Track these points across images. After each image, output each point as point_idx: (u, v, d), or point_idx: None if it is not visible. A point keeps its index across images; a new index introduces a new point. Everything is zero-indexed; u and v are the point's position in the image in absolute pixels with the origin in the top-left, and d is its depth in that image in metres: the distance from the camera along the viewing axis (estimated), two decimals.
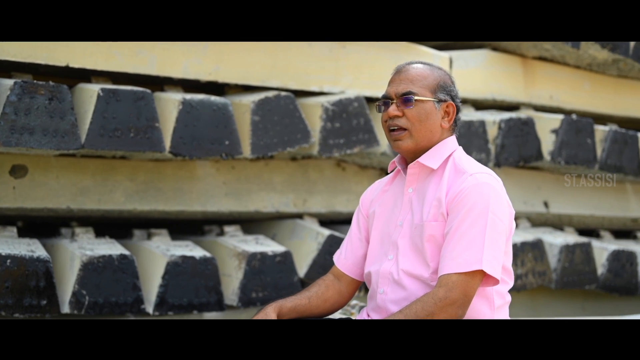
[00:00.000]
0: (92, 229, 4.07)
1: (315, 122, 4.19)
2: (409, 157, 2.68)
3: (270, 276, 4.08)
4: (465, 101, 4.98)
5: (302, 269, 4.23)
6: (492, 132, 4.67)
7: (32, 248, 3.70)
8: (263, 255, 4.06)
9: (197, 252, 3.97)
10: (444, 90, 2.66)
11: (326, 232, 4.28)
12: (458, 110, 2.71)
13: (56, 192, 3.99)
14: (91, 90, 3.66)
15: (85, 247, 3.83)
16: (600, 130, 5.05)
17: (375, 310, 2.64)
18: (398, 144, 2.64)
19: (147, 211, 4.17)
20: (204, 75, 4.08)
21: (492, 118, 4.70)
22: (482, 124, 4.60)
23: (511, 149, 4.68)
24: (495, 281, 2.47)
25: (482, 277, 2.45)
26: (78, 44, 3.76)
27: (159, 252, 3.93)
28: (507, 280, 2.59)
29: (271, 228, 4.58)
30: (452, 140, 2.69)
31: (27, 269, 3.57)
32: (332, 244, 4.26)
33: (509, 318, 2.63)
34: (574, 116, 4.94)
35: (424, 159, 2.62)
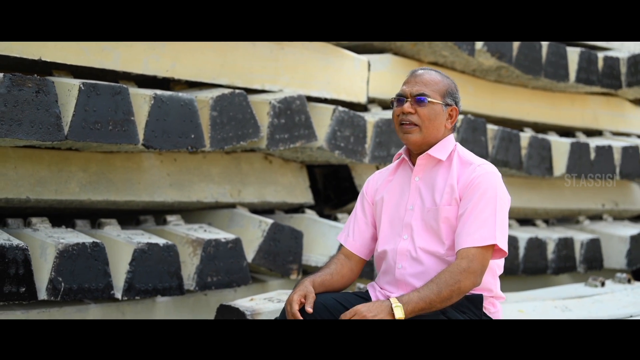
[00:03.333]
0: (47, 219, 4.18)
1: (263, 117, 4.50)
2: (415, 149, 3.08)
3: (223, 261, 4.35)
4: (373, 101, 5.46)
5: (248, 255, 4.53)
6: None
7: (5, 237, 3.78)
8: (217, 242, 4.33)
9: (159, 239, 4.18)
10: (451, 96, 3.09)
11: (269, 220, 4.61)
12: (459, 114, 3.15)
13: (15, 182, 4.07)
14: (70, 84, 3.79)
15: (53, 236, 3.95)
16: (490, 129, 5.68)
17: (392, 284, 3.03)
18: (408, 136, 3.04)
19: (99, 201, 4.32)
20: (162, 72, 4.30)
21: None
22: None
23: None
24: (503, 253, 2.94)
25: (493, 251, 2.91)
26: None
27: (123, 240, 4.10)
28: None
29: (204, 217, 4.84)
30: (452, 138, 3.12)
31: (7, 257, 3.67)
32: (275, 232, 4.59)
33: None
34: (470, 116, 5.54)
35: (433, 152, 3.04)
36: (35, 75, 3.67)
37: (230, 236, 4.41)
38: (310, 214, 5.06)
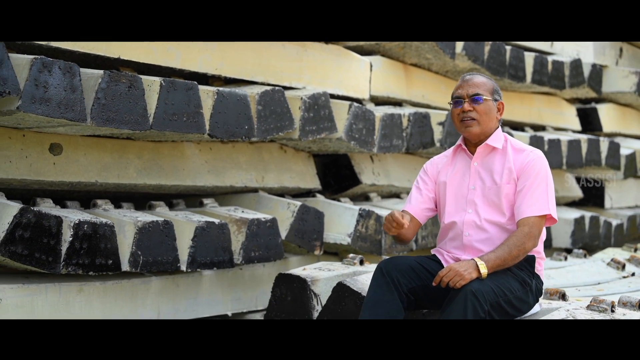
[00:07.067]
0: (109, 201, 4.66)
1: (295, 111, 5.09)
2: (474, 140, 3.76)
3: (263, 238, 4.92)
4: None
5: (282, 233, 5.11)
6: (404, 123, 5.86)
7: (91, 216, 4.25)
8: (258, 221, 4.90)
9: (213, 218, 4.72)
10: (497, 93, 3.78)
11: (298, 202, 5.21)
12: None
13: (86, 168, 4.54)
14: (150, 80, 4.29)
15: (127, 215, 4.44)
16: None
17: (460, 248, 3.71)
18: (469, 129, 3.71)
19: (151, 185, 4.82)
20: (212, 70, 4.84)
21: (402, 112, 5.89)
22: (400, 116, 5.77)
23: (416, 137, 5.91)
24: (554, 221, 3.65)
25: (546, 219, 3.62)
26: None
27: (182, 219, 4.63)
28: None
29: (229, 201, 5.39)
30: (501, 130, 3.81)
31: (98, 232, 4.15)
32: (303, 212, 5.20)
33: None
34: (448, 112, 6.26)
35: (491, 142, 3.72)
36: (127, 72, 4.15)
37: (267, 216, 4.99)
38: (321, 197, 5.67)
